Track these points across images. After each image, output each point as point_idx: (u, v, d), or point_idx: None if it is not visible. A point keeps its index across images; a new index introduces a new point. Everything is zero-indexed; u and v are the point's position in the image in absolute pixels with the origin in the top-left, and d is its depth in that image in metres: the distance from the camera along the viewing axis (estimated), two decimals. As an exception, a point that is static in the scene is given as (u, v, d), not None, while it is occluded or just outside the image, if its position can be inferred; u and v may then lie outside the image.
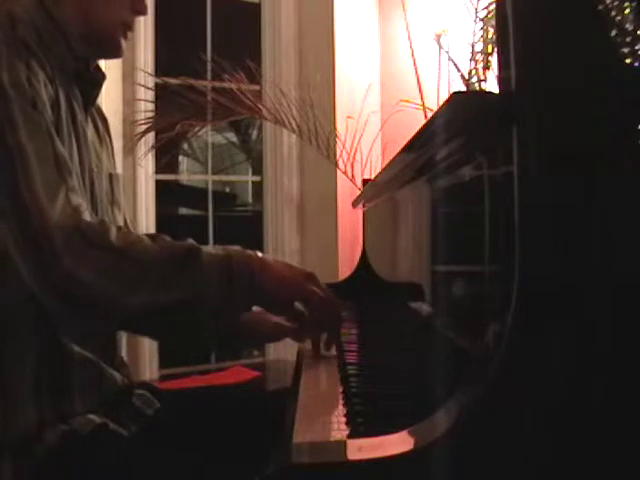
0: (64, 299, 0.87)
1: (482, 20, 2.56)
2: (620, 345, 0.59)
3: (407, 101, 2.76)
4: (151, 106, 2.66)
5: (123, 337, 1.24)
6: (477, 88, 2.58)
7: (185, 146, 3.26)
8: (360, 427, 0.70)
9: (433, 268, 0.95)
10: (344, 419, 0.73)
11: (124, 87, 2.59)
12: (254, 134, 3.31)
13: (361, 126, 2.68)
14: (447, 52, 2.73)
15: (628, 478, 0.59)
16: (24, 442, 0.93)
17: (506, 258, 0.60)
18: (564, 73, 0.62)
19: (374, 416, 0.75)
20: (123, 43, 1.11)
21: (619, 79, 0.63)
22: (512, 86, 0.61)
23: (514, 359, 0.58)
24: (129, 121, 2.59)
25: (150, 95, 2.66)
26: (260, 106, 2.66)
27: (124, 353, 1.21)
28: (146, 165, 2.66)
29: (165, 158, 2.78)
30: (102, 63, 1.19)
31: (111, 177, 1.18)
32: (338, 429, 0.71)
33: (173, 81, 2.67)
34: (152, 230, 2.64)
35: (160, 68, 2.71)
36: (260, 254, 0.99)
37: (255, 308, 1.04)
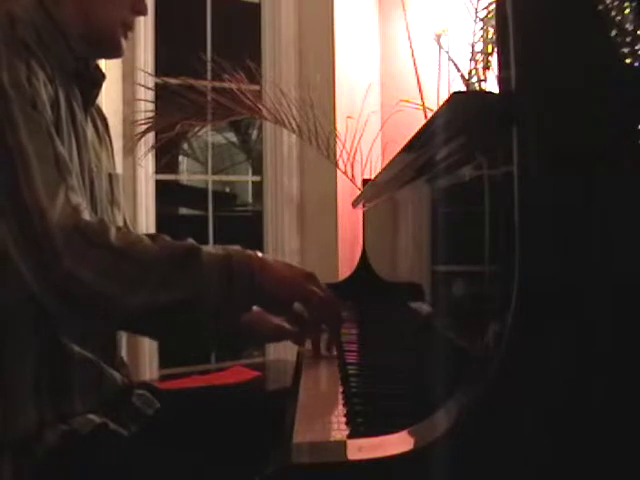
0: (64, 298, 0.87)
1: (482, 20, 2.56)
2: (620, 345, 0.59)
3: (407, 101, 2.76)
4: (151, 106, 2.66)
5: (123, 337, 1.24)
6: (477, 88, 2.58)
7: (185, 146, 3.26)
8: (360, 427, 0.70)
9: (433, 268, 0.95)
10: (344, 419, 0.73)
11: (124, 87, 2.59)
12: (254, 134, 3.31)
13: (361, 126, 2.68)
14: (447, 52, 2.73)
15: (628, 478, 0.59)
16: (24, 442, 0.93)
17: (506, 258, 0.60)
18: (564, 73, 0.62)
19: (374, 416, 0.75)
20: (123, 43, 1.11)
21: (619, 79, 0.63)
22: (512, 86, 0.61)
23: (514, 359, 0.58)
24: (129, 121, 2.59)
25: (150, 95, 2.66)
26: (260, 106, 2.66)
27: (124, 353, 1.21)
28: (146, 165, 2.66)
29: (165, 158, 2.78)
30: (102, 63, 1.19)
31: (111, 177, 1.18)
32: (338, 429, 0.71)
33: (173, 81, 2.67)
34: (152, 230, 2.64)
35: (160, 68, 2.71)
36: (260, 254, 0.99)
37: (255, 308, 1.04)
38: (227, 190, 3.49)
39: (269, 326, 1.17)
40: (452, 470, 0.56)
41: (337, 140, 2.70)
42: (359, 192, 2.13)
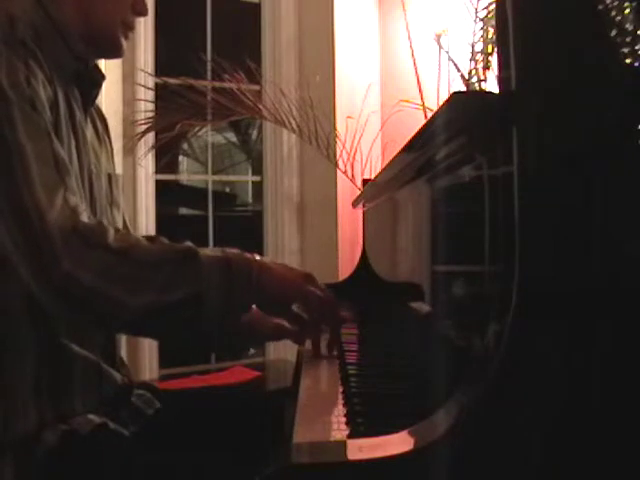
0: (63, 299, 0.87)
1: (482, 20, 2.56)
2: (620, 345, 0.59)
3: (407, 101, 2.76)
4: (151, 106, 2.66)
5: (123, 337, 1.25)
6: (477, 88, 2.58)
7: (185, 146, 3.26)
8: (360, 427, 0.70)
9: (433, 268, 0.95)
10: (344, 419, 0.73)
11: (124, 87, 2.59)
12: (254, 134, 3.31)
13: (361, 126, 2.68)
14: (447, 52, 2.73)
15: (628, 478, 0.59)
16: (24, 442, 0.93)
17: (506, 258, 0.60)
18: (564, 73, 0.62)
19: (374, 416, 0.75)
20: (124, 43, 1.11)
21: (619, 79, 0.63)
22: (512, 86, 0.61)
23: (514, 359, 0.58)
24: (129, 121, 2.59)
25: (150, 95, 2.66)
26: (260, 106, 2.66)
27: (124, 353, 1.21)
28: (146, 165, 2.66)
29: (165, 158, 2.78)
30: (102, 63, 1.19)
31: (110, 178, 1.17)
32: (338, 429, 0.71)
33: (173, 81, 2.67)
34: (152, 230, 2.64)
35: (160, 68, 2.70)
36: (258, 257, 0.99)
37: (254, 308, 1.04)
38: (227, 190, 3.49)
39: (269, 325, 1.17)
40: (452, 470, 0.56)
41: (337, 140, 2.69)
42: (359, 192, 2.13)
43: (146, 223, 2.64)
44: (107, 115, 1.26)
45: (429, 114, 2.54)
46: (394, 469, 0.55)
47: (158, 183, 2.73)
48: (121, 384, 1.08)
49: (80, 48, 1.07)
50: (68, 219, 0.87)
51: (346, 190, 2.77)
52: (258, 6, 2.94)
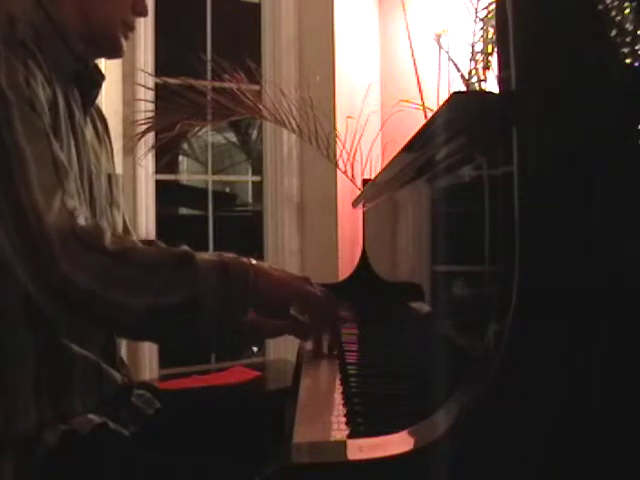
0: (62, 302, 0.87)
1: (482, 20, 2.56)
2: (620, 345, 0.59)
3: (407, 101, 2.76)
4: (151, 106, 2.66)
5: (123, 337, 1.24)
6: (477, 88, 2.58)
7: (185, 146, 3.26)
8: (360, 427, 0.70)
9: (433, 268, 0.95)
10: (344, 419, 0.73)
11: (124, 87, 2.59)
12: (254, 134, 3.31)
13: (361, 126, 2.68)
14: (447, 52, 2.73)
15: (628, 477, 0.59)
16: (24, 442, 0.93)
17: (506, 258, 0.60)
18: (564, 73, 0.62)
19: (374, 416, 0.75)
20: (124, 43, 1.11)
21: (619, 79, 0.63)
22: (512, 86, 0.61)
23: (514, 359, 0.58)
24: (129, 121, 2.59)
25: (150, 95, 2.66)
26: (260, 106, 2.66)
27: (124, 353, 1.21)
28: (146, 165, 2.66)
29: (165, 158, 2.78)
30: (102, 63, 1.19)
31: (110, 178, 1.17)
32: (338, 429, 0.71)
33: (173, 81, 2.67)
34: (152, 230, 2.65)
35: (160, 68, 2.70)
36: (254, 261, 0.99)
37: None
38: (227, 190, 3.49)
39: (269, 323, 1.17)
40: (452, 470, 0.56)
41: (337, 140, 2.69)
42: (359, 192, 2.13)
43: (146, 223, 2.64)
44: (107, 115, 1.26)
45: (429, 114, 2.54)
46: (394, 469, 0.55)
47: (158, 183, 2.73)
48: (121, 384, 1.08)
49: (80, 48, 1.07)
50: (65, 221, 0.87)
51: (346, 190, 2.77)
52: (258, 6, 2.94)
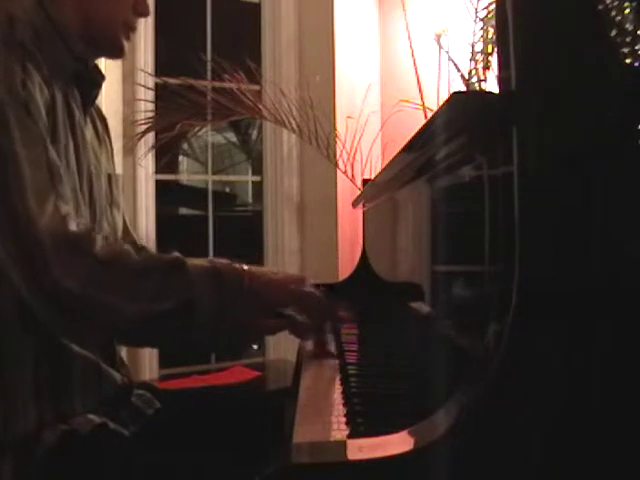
0: (54, 307, 0.87)
1: (482, 20, 2.56)
2: (620, 345, 0.59)
3: (407, 101, 2.76)
4: (151, 106, 2.66)
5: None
6: (477, 88, 2.58)
7: (185, 146, 3.26)
8: (360, 427, 0.70)
9: (433, 268, 0.95)
10: (344, 419, 0.73)
11: (124, 87, 2.59)
12: (254, 134, 3.31)
13: (361, 126, 2.68)
14: (447, 52, 2.73)
15: (628, 478, 0.59)
16: (24, 442, 0.93)
17: (506, 258, 0.60)
18: (564, 73, 0.62)
19: (374, 416, 0.75)
20: (125, 44, 1.11)
21: (619, 79, 0.63)
22: (512, 86, 0.61)
23: (514, 359, 0.58)
24: (129, 121, 2.59)
25: (150, 95, 2.66)
26: (260, 106, 2.66)
27: (124, 353, 1.21)
28: (146, 165, 2.66)
29: (165, 158, 2.78)
30: (102, 63, 1.19)
31: (110, 178, 1.17)
32: (338, 429, 0.71)
33: (173, 81, 2.67)
34: (152, 230, 2.65)
35: (160, 68, 2.70)
36: (247, 267, 0.99)
37: None
38: (227, 190, 3.49)
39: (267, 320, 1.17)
40: (452, 470, 0.56)
41: (337, 140, 2.69)
42: (359, 192, 2.13)
43: (146, 223, 2.64)
44: (107, 115, 1.26)
45: (429, 114, 2.54)
46: (394, 469, 0.55)
47: (158, 183, 2.73)
48: (121, 384, 1.08)
49: (80, 48, 1.07)
50: (58, 226, 0.86)
51: (346, 190, 2.77)
52: (258, 6, 2.94)
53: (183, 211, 3.30)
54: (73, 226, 0.88)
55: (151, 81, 2.67)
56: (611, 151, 0.61)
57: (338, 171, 2.73)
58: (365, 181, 2.12)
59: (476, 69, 2.58)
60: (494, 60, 2.47)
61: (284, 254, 2.85)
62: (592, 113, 0.61)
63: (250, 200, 3.42)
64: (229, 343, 1.14)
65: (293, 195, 2.89)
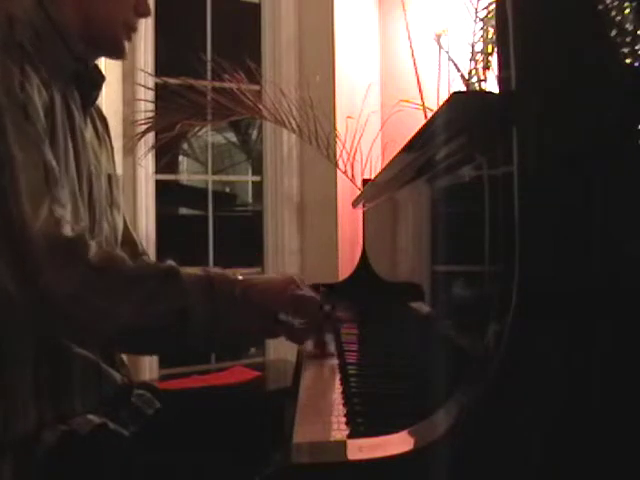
0: (46, 310, 0.87)
1: (482, 20, 2.56)
2: (620, 345, 0.59)
3: (407, 101, 2.76)
4: (151, 106, 2.65)
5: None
6: (477, 88, 2.58)
7: (185, 146, 3.26)
8: (360, 427, 0.70)
9: (433, 268, 0.95)
10: (344, 419, 0.73)
11: (124, 87, 2.59)
12: (254, 134, 3.31)
13: (361, 126, 2.68)
14: (447, 52, 2.73)
15: (628, 478, 0.59)
16: (24, 442, 0.93)
17: (506, 258, 0.60)
18: (564, 73, 0.62)
19: (374, 416, 0.75)
20: (126, 44, 1.11)
21: (619, 79, 0.63)
22: (512, 86, 0.61)
23: (514, 359, 0.58)
24: (129, 121, 2.59)
25: (150, 95, 2.66)
26: (260, 106, 2.66)
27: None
28: (146, 165, 2.66)
29: (165, 158, 2.78)
30: (102, 63, 1.19)
31: (110, 178, 1.17)
32: (338, 429, 0.71)
33: (173, 81, 2.67)
34: (152, 230, 2.64)
35: (160, 68, 2.70)
36: (241, 276, 0.98)
37: None
38: (227, 190, 3.49)
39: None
40: (452, 470, 0.56)
41: (337, 140, 2.69)
42: (359, 192, 2.13)
43: (146, 223, 2.64)
44: (107, 115, 1.26)
45: (429, 114, 2.54)
46: (394, 469, 0.55)
47: (158, 183, 2.73)
48: (121, 384, 1.08)
49: (80, 49, 1.07)
50: (51, 230, 0.86)
51: (346, 190, 2.77)
52: (258, 6, 2.94)
53: (183, 211, 3.30)
54: (67, 231, 0.88)
55: (151, 81, 2.67)
56: (611, 151, 0.61)
57: (338, 171, 2.73)
58: (365, 181, 2.12)
59: (476, 69, 2.58)
60: (494, 60, 2.47)
61: (284, 254, 2.85)
62: (592, 113, 0.61)
63: (250, 200, 3.42)
64: (225, 348, 1.15)
65: (293, 195, 2.89)
